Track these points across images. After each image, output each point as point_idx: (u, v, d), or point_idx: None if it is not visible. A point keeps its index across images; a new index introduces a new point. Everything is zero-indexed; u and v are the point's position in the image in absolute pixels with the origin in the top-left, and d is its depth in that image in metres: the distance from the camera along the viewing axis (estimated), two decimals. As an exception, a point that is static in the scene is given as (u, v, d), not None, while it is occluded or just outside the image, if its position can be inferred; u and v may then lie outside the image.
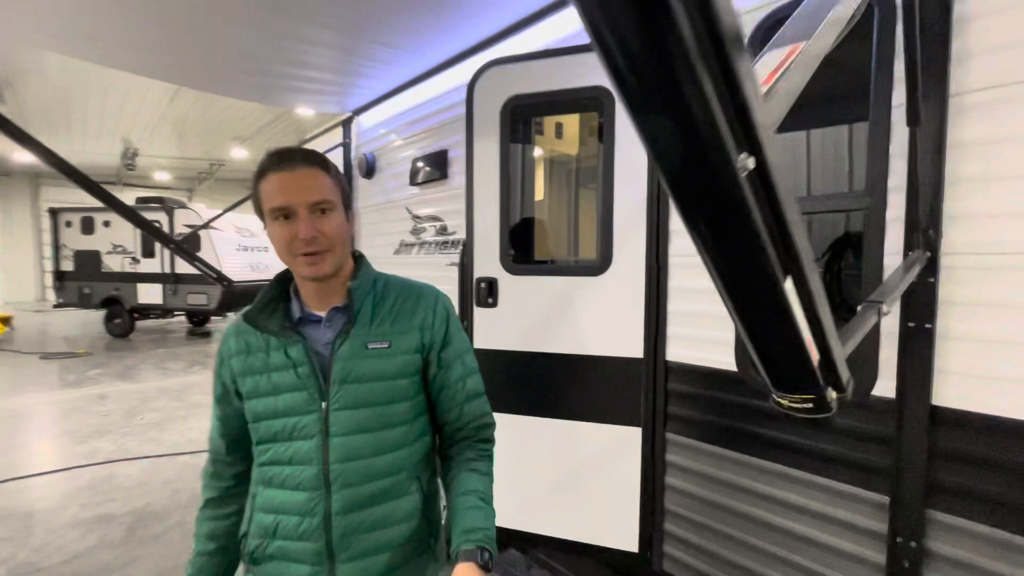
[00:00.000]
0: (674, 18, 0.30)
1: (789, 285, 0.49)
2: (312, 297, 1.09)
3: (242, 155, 16.25)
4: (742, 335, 0.56)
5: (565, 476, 1.96)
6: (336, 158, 3.77)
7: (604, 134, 1.81)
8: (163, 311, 11.04)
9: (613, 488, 1.88)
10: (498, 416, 2.07)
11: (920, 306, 1.23)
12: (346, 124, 3.69)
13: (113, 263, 10.81)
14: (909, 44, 1.06)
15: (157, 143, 15.09)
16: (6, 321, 11.01)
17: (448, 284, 2.77)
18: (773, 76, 0.46)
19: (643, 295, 1.79)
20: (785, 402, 0.60)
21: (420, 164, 2.92)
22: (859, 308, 0.90)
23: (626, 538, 1.86)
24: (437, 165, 2.80)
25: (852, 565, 1.38)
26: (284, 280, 1.12)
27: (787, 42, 0.52)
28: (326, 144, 3.87)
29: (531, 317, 1.99)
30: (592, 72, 1.79)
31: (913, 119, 1.10)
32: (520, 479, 2.06)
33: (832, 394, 0.60)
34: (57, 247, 11.08)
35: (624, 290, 1.80)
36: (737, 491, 1.63)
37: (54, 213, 11.13)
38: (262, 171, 1.02)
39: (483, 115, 2.03)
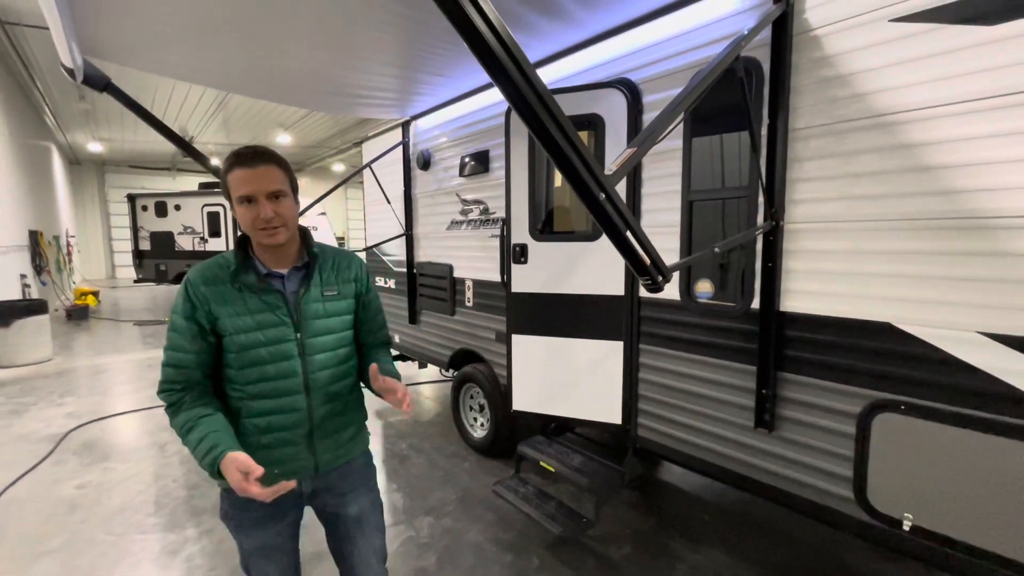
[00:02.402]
0: (568, 157, 1.21)
1: (629, 234, 1.39)
2: (270, 259, 1.40)
3: (286, 140, 17.35)
4: (624, 258, 1.47)
5: (573, 375, 2.91)
6: (395, 154, 4.70)
7: (596, 145, 2.69)
8: (229, 284, 12.37)
9: (605, 382, 2.81)
10: (527, 337, 3.04)
11: (772, 254, 2.10)
12: (405, 126, 4.59)
13: (185, 242, 12.13)
14: (756, 104, 1.91)
15: (210, 131, 16.23)
16: (96, 295, 12.56)
17: (487, 252, 3.69)
18: (621, 162, 1.36)
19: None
20: (641, 282, 1.52)
21: (467, 160, 3.82)
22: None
23: (613, 414, 2.81)
24: (480, 161, 3.69)
25: (738, 410, 2.29)
26: (243, 246, 1.40)
27: (632, 145, 1.41)
28: (389, 141, 4.79)
29: (551, 270, 2.91)
30: (587, 104, 2.67)
31: (755, 148, 1.97)
32: (543, 379, 3.02)
33: (660, 279, 1.50)
34: (136, 229, 12.44)
35: (610, 250, 2.68)
36: (681, 377, 2.53)
37: (132, 199, 12.37)
38: (229, 167, 1.31)
39: (517, 134, 2.93)
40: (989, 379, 1.63)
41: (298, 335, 1.40)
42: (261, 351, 1.36)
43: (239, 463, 1.19)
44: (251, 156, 1.31)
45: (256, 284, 1.37)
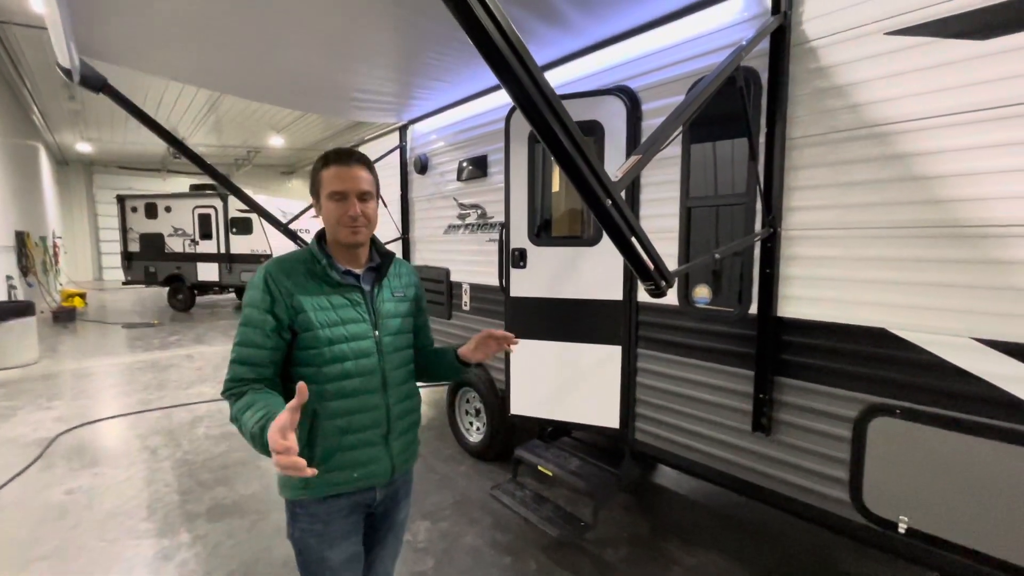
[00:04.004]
0: (578, 166, 1.23)
1: (634, 240, 1.42)
2: (344, 258, 1.43)
3: (279, 143, 17.26)
4: (627, 262, 1.49)
5: (571, 379, 2.93)
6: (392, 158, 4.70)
7: (596, 152, 2.72)
8: (220, 287, 12.26)
9: (603, 386, 2.83)
10: (527, 341, 3.05)
11: (769, 260, 2.13)
12: (402, 130, 4.60)
13: (175, 244, 11.98)
14: (754, 113, 1.95)
15: (201, 133, 16.11)
16: (83, 297, 12.39)
17: (484, 256, 3.70)
18: (626, 169, 1.38)
19: (620, 258, 2.70)
20: (644, 287, 1.54)
21: (465, 164, 3.84)
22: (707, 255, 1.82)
23: (611, 418, 2.82)
24: (479, 166, 3.71)
25: (736, 414, 2.32)
26: (320, 244, 1.43)
27: (637, 152, 1.43)
28: (386, 145, 4.80)
29: (550, 274, 2.93)
30: (587, 110, 2.70)
31: (753, 157, 2.00)
32: (541, 383, 3.03)
33: (663, 283, 1.52)
34: (125, 231, 12.27)
35: (609, 255, 2.72)
36: (679, 381, 2.56)
37: (121, 200, 12.22)
38: (324, 164, 1.36)
39: (516, 139, 2.95)
40: (982, 383, 1.67)
41: (376, 332, 1.43)
42: (344, 347, 1.36)
43: (279, 421, 1.03)
44: (346, 156, 1.38)
45: (338, 280, 1.39)
